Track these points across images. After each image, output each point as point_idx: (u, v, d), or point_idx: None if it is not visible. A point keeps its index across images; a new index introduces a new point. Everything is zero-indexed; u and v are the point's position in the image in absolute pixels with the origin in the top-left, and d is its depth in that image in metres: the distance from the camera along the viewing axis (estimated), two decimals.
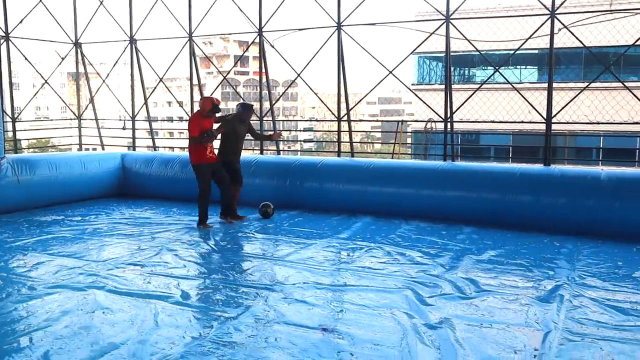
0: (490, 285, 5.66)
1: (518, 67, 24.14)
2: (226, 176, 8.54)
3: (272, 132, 9.57)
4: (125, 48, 12.65)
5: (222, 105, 9.60)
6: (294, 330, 4.53)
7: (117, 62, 12.99)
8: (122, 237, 7.76)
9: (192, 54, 12.13)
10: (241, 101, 9.26)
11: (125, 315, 4.87)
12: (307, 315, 4.86)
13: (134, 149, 13.25)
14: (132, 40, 12.56)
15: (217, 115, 8.51)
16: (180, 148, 17.92)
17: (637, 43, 9.30)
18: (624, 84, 9.56)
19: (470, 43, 9.99)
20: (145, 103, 13.05)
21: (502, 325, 4.67)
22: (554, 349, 4.21)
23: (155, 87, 13.41)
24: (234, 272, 6.17)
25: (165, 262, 6.52)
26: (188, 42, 11.95)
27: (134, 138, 13.32)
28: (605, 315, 4.90)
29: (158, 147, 14.11)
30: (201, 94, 12.82)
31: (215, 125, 8.60)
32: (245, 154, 9.67)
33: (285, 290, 5.50)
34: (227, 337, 4.40)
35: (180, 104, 15.62)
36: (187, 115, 12.71)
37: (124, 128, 13.89)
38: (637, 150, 16.87)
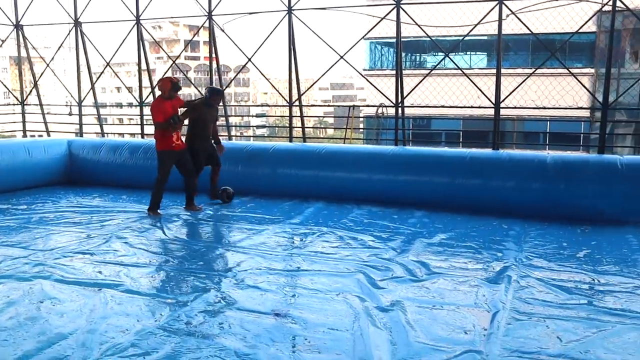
0: (441, 268, 5.75)
1: (468, 53, 24.50)
2: (191, 167, 8.30)
3: (219, 146, 8.94)
4: (70, 31, 12.30)
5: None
6: (247, 316, 4.51)
7: (61, 45, 12.63)
8: (69, 225, 7.57)
9: (140, 38, 11.88)
10: (211, 85, 9.03)
11: (74, 304, 4.76)
12: (260, 301, 4.85)
13: (81, 136, 12.93)
14: (77, 23, 12.21)
15: (178, 93, 8.17)
16: (130, 134, 17.58)
17: (580, 30, 9.54)
18: (569, 70, 9.80)
19: (421, 28, 10.08)
20: (92, 88, 12.73)
21: (452, 306, 4.75)
22: (502, 328, 4.30)
23: (102, 72, 13.10)
24: (186, 258, 6.10)
25: (115, 250, 6.39)
26: (136, 26, 11.69)
27: (80, 124, 13.00)
28: (550, 294, 5.04)
29: (107, 133, 13.81)
30: (150, 79, 12.59)
31: (180, 110, 8.34)
32: None
33: (238, 276, 5.47)
34: (178, 324, 4.35)
35: (129, 89, 15.31)
36: (136, 101, 12.49)
37: (70, 114, 13.54)
38: (582, 135, 17.38)
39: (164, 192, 8.25)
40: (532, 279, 5.43)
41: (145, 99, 12.41)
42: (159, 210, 8.21)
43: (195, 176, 8.47)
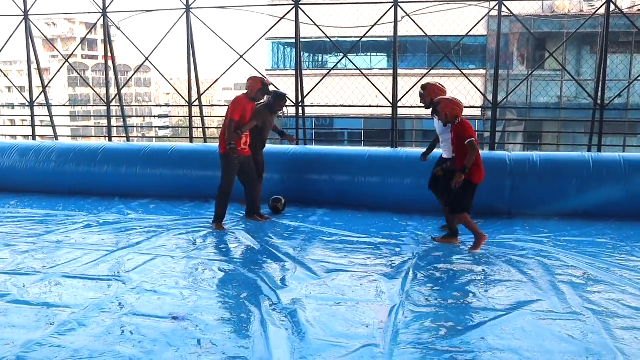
0: (341, 265, 5.83)
1: (369, 54, 25.04)
2: (254, 176, 7.75)
3: (289, 136, 8.47)
4: None
5: (71, 92, 8.92)
6: (144, 321, 4.39)
7: None
8: None
9: (29, 34, 11.30)
10: (275, 90, 8.26)
11: None
12: (157, 305, 4.73)
13: None
14: None
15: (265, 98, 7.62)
16: (23, 136, 16.71)
17: (471, 33, 9.96)
18: (461, 71, 10.20)
19: (319, 29, 10.19)
20: None
21: (352, 302, 4.83)
22: (400, 321, 4.42)
23: None
24: (79, 264, 5.84)
25: (2, 258, 6.04)
26: (24, 22, 11.12)
27: None
28: (445, 285, 5.23)
29: None
30: (41, 78, 12.02)
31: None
32: (92, 141, 9.16)
33: (134, 280, 5.31)
34: (70, 333, 4.17)
35: (21, 89, 14.53)
36: (28, 101, 11.87)
37: None
38: (476, 133, 18.17)
39: (228, 202, 7.55)
40: (429, 272, 5.62)
41: (36, 99, 11.83)
42: (223, 224, 7.50)
43: (259, 185, 7.89)
